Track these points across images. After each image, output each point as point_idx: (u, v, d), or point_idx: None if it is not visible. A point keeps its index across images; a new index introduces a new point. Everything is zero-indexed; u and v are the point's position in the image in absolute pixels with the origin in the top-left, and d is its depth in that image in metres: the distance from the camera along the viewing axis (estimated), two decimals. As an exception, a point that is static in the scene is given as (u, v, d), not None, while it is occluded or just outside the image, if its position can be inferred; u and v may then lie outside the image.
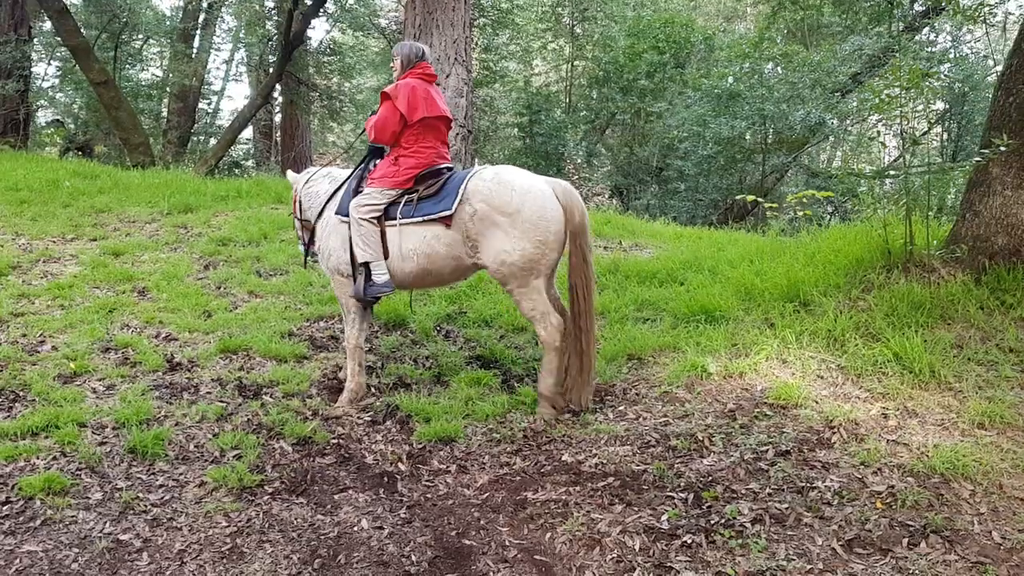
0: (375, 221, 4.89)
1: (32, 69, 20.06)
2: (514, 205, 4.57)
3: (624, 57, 17.69)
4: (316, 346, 5.85)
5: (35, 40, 18.61)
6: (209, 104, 24.69)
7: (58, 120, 22.80)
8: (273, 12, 20.42)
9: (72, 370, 5.20)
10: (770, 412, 4.43)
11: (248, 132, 26.49)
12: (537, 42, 23.04)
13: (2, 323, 5.99)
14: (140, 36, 20.04)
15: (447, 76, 11.78)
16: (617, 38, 18.88)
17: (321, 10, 18.52)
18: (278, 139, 23.66)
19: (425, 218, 4.78)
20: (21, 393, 4.88)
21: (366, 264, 4.91)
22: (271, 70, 19.11)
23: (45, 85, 22.20)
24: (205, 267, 7.57)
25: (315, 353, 5.73)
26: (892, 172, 19.28)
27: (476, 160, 13.92)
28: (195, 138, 21.92)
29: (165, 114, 21.87)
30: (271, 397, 4.97)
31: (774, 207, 9.77)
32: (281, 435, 4.47)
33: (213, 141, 22.46)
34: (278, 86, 19.66)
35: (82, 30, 17.52)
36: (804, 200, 9.46)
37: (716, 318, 5.68)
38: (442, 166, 4.99)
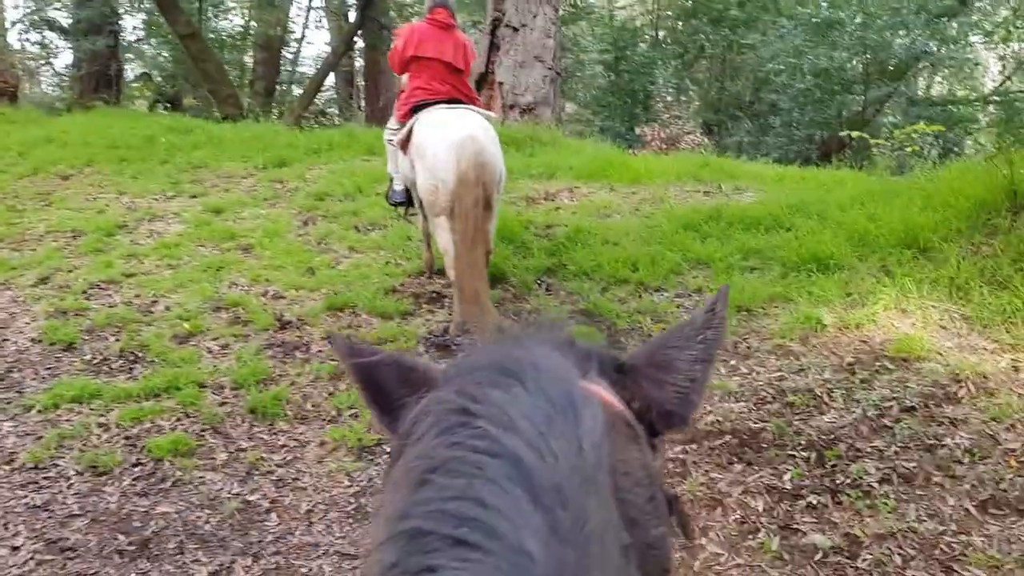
0: (393, 143, 5.93)
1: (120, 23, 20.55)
2: (423, 148, 5.24)
3: (713, -13, 17.07)
4: (420, 302, 5.86)
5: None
6: (291, 52, 24.87)
7: (147, 74, 23.28)
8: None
9: (187, 330, 5.34)
10: (891, 366, 4.26)
11: (330, 79, 26.68)
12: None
13: (115, 284, 6.17)
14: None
15: (534, 16, 11.53)
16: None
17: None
18: (360, 85, 23.71)
19: (393, 143, 5.85)
20: (140, 354, 5.04)
21: (390, 175, 6.20)
22: (352, 15, 19.09)
23: (132, 39, 22.73)
24: (304, 223, 7.65)
25: (419, 309, 5.74)
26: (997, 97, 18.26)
27: (564, 103, 13.68)
28: (280, 87, 22.14)
29: (250, 64, 22.15)
30: (380, 355, 5.00)
31: (880, 143, 9.31)
32: (394, 395, 4.51)
33: (297, 90, 22.69)
34: (359, 31, 19.65)
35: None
36: (913, 135, 9.03)
37: (828, 266, 5.46)
38: (430, 100, 5.55)
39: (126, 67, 22.54)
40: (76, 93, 18.41)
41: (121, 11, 19.77)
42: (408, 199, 6.14)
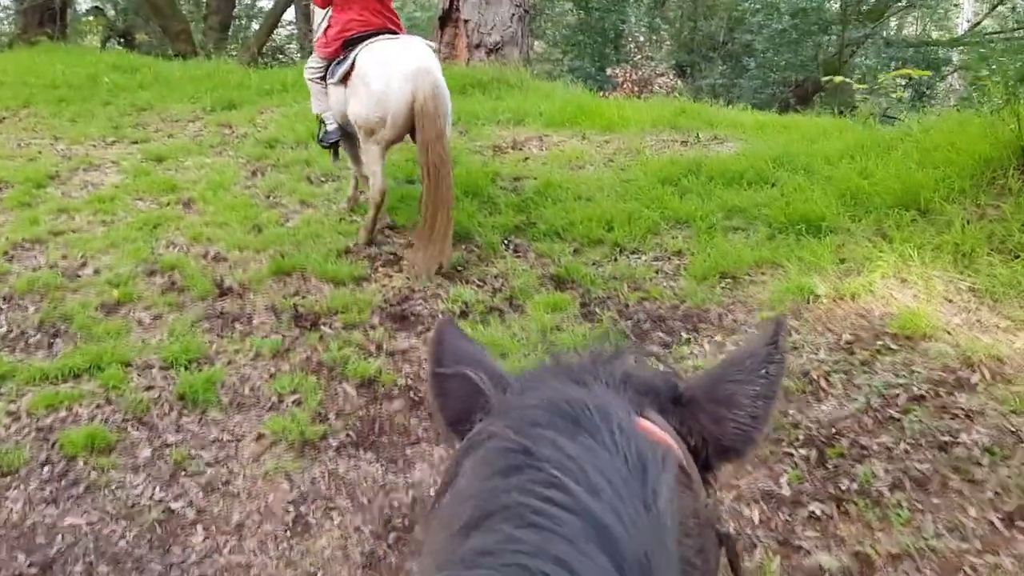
0: (319, 80, 5.74)
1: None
2: (369, 76, 5.10)
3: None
4: (376, 265, 5.37)
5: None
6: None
7: (97, 7, 22.11)
8: None
9: (116, 298, 4.82)
10: (894, 345, 3.87)
11: (290, 14, 25.52)
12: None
13: (41, 243, 5.61)
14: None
15: (500, -51, 10.82)
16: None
17: None
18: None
19: (334, 80, 5.50)
20: (62, 327, 4.52)
21: (319, 116, 5.92)
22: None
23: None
24: (252, 173, 7.08)
25: (375, 273, 5.25)
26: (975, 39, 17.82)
27: (533, 42, 13.01)
28: (236, 22, 21.09)
29: (204, -2, 21.04)
30: (330, 328, 4.53)
31: (862, 87, 8.85)
32: (344, 376, 4.05)
33: (255, 25, 21.65)
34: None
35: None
36: (899, 80, 8.58)
37: (819, 228, 5.03)
38: (366, 32, 5.39)
39: (78, 1, 21.39)
40: (19, 28, 17.36)
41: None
42: (340, 140, 5.96)
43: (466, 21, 10.90)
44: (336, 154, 6.20)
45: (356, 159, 5.98)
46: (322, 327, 4.54)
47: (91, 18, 22.71)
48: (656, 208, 5.70)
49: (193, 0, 20.78)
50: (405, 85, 4.93)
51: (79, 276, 5.14)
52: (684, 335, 4.30)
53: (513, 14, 10.93)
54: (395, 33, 5.54)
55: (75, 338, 4.39)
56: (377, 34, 5.38)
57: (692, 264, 4.96)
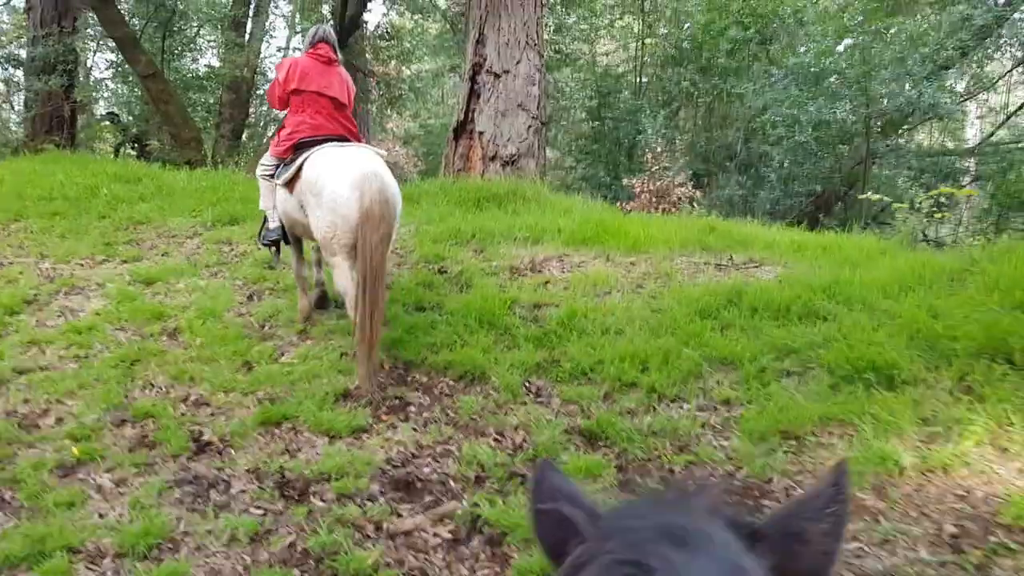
0: (268, 178, 5.76)
1: (83, 62, 19.38)
2: (318, 186, 5.02)
3: (702, 34, 16.21)
4: (379, 413, 4.69)
5: (89, 30, 17.83)
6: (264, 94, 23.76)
7: (112, 113, 22.12)
8: (327, -5, 19.39)
9: (75, 457, 4.14)
10: (1012, 542, 3.13)
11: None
12: (604, 19, 21.60)
13: (3, 384, 4.97)
14: (193, 24, 19.16)
15: (517, 63, 10.53)
16: (693, 13, 17.39)
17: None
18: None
19: (280, 182, 5.50)
20: (7, 495, 3.83)
21: (264, 214, 5.96)
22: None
23: (100, 77, 21.60)
24: (248, 297, 6.50)
25: (377, 423, 4.57)
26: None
27: (546, 151, 12.65)
28: (250, 130, 21.02)
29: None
30: (322, 500, 3.82)
31: (903, 206, 8.32)
32: (333, 570, 3.32)
33: (271, 131, 21.60)
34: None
35: (130, 19, 16.74)
36: (942, 199, 8.06)
37: (891, 378, 4.34)
38: (318, 136, 5.39)
39: (96, 106, 21.38)
40: (27, 135, 17.23)
41: (81, 49, 18.70)
42: (282, 238, 5.93)
43: (481, 133, 10.54)
44: (278, 252, 6.16)
45: (299, 260, 5.98)
46: (312, 498, 3.82)
47: (106, 123, 22.75)
48: (695, 346, 5.04)
49: (206, 106, 20.73)
50: (352, 192, 4.87)
51: (38, 427, 4.48)
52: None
53: (529, 126, 10.57)
54: (345, 140, 5.52)
55: (19, 511, 3.70)
56: (327, 140, 5.37)
57: (746, 419, 4.26)
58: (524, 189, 9.67)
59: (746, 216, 14.83)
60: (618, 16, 21.63)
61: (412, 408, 4.71)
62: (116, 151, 20.87)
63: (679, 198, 13.17)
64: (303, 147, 5.34)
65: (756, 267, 6.65)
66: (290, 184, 5.36)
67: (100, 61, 21.98)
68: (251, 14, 19.85)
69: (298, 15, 21.02)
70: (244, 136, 19.65)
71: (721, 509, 0.92)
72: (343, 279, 5.09)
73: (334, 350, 5.50)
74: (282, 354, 5.49)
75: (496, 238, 7.75)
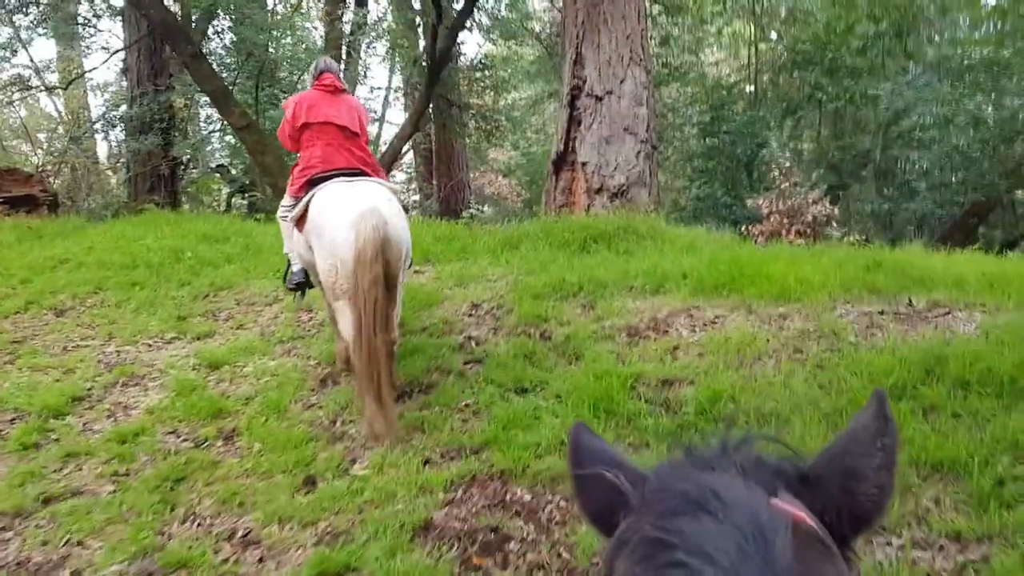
0: (286, 220, 5.47)
1: (191, 117, 19.29)
2: (319, 227, 4.79)
3: (826, 32, 14.63)
4: (468, 551, 3.57)
5: (184, 86, 17.70)
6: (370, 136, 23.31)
7: (222, 165, 22.11)
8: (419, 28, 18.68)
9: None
10: None
11: (410, 157, 25.10)
12: (712, 26, 20.19)
13: (23, 518, 4.11)
14: (283, 73, 18.83)
15: (621, 82, 9.36)
16: (813, 10, 15.82)
17: (469, 21, 16.55)
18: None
19: (290, 221, 5.30)
20: None
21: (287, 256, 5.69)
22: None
23: (207, 131, 21.60)
24: (321, 382, 5.53)
25: (465, 571, 3.45)
26: None
27: (657, 177, 11.36)
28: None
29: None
30: None
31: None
32: None
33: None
34: (430, 110, 17.94)
35: (221, 71, 16.45)
36: None
37: None
38: (329, 172, 5.09)
39: (210, 159, 21.34)
40: (130, 196, 17.15)
41: (186, 104, 18.64)
42: (307, 281, 5.57)
43: (584, 163, 9.42)
44: (303, 295, 5.89)
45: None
46: None
47: (216, 176, 22.76)
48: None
49: (306, 154, 20.35)
50: (350, 230, 4.58)
51: (46, 586, 3.57)
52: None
53: (639, 151, 9.37)
54: (358, 173, 5.20)
55: None
56: (339, 175, 5.08)
57: (999, 573, 2.92)
58: (637, 224, 8.46)
59: (887, 232, 13.18)
60: (726, 22, 20.19)
61: (512, 545, 3.57)
62: (228, 202, 20.80)
63: (815, 218, 11.67)
64: (315, 183, 5.07)
65: (945, 315, 5.22)
66: (299, 223, 5.11)
67: (206, 115, 22.09)
68: (343, 58, 19.42)
69: (393, 52, 20.50)
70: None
71: (765, 460, 0.90)
72: (344, 325, 4.80)
73: (415, 453, 4.42)
74: (353, 461, 4.46)
75: (608, 289, 6.57)
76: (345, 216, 4.65)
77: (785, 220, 11.81)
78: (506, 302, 6.62)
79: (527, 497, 3.94)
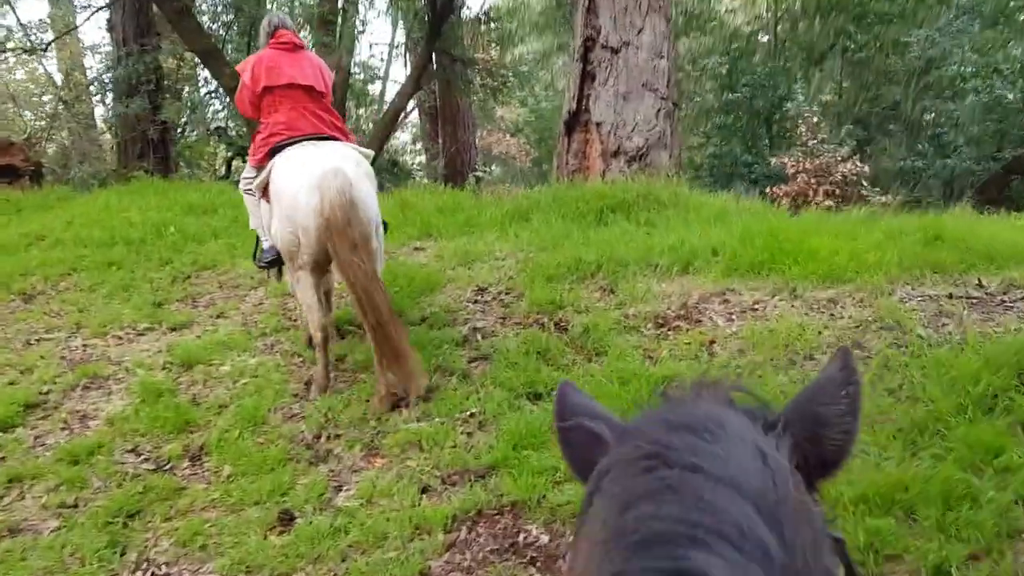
0: (250, 193, 5.08)
1: (178, 79, 18.43)
2: (278, 191, 4.49)
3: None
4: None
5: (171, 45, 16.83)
6: (370, 95, 22.34)
7: (220, 127, 21.31)
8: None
9: None
10: None
11: (415, 116, 24.18)
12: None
13: (-54, 566, 3.47)
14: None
15: (639, 32, 8.52)
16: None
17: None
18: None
19: (255, 192, 4.92)
20: None
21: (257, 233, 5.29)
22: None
23: (204, 94, 20.73)
24: (306, 385, 4.84)
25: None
26: None
27: (679, 137, 10.53)
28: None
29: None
30: None
31: None
32: None
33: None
34: (431, 67, 17.03)
35: (211, 28, 15.61)
36: None
37: None
38: (292, 139, 4.69)
39: (210, 124, 20.49)
40: (119, 163, 16.39)
41: (171, 65, 17.82)
42: (279, 259, 4.99)
43: (599, 123, 8.62)
44: (279, 274, 5.43)
45: (313, 295, 4.84)
46: None
47: (214, 139, 21.95)
48: (995, 474, 3.02)
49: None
50: (312, 194, 4.24)
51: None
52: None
53: (659, 109, 8.57)
54: (325, 137, 4.79)
55: None
56: (303, 140, 4.68)
57: None
58: (658, 191, 7.70)
59: (914, 190, 12.39)
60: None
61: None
62: (227, 166, 20.06)
63: (845, 177, 10.88)
64: (279, 151, 4.66)
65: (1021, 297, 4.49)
66: (265, 195, 4.75)
67: (204, 76, 21.20)
68: (340, 9, 18.45)
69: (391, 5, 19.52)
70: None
71: (737, 401, 0.93)
72: (307, 295, 4.57)
73: (411, 478, 3.75)
74: (339, 488, 3.79)
75: (630, 267, 5.86)
76: (305, 180, 4.29)
77: (813, 180, 11.02)
78: (516, 285, 5.92)
79: (544, 539, 3.27)
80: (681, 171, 8.84)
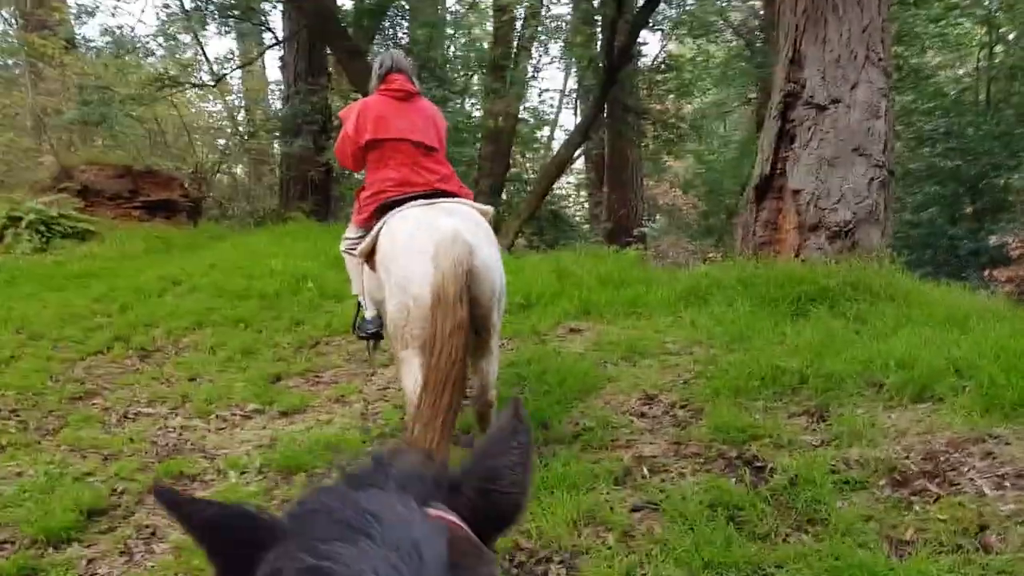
0: (353, 255, 4.61)
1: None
2: (388, 259, 3.99)
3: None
4: None
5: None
6: (539, 142, 21.61)
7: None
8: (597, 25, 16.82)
9: None
10: None
11: (580, 163, 23.33)
12: (933, 26, 17.23)
13: None
14: (454, 72, 17.46)
15: (852, 87, 7.12)
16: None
17: (654, 14, 14.44)
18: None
19: (358, 255, 4.41)
20: None
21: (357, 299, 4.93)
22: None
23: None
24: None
25: None
26: None
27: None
28: (512, 186, 18.84)
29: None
30: None
31: None
32: None
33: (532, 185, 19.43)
34: (602, 116, 16.05)
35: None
36: None
37: None
38: (401, 196, 4.17)
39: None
40: (280, 203, 16.28)
41: (340, 106, 17.61)
42: (382, 331, 4.65)
43: (796, 192, 7.27)
44: (376, 347, 5.09)
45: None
46: None
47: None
48: None
49: (468, 159, 18.82)
50: (427, 263, 3.69)
51: None
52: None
53: (871, 178, 7.13)
54: (440, 195, 4.23)
55: None
56: (415, 199, 4.15)
57: None
58: (869, 279, 6.28)
59: None
60: (955, 20, 17.17)
61: None
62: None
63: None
64: (387, 209, 4.17)
65: None
66: (369, 259, 4.28)
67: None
68: (512, 57, 17.82)
69: (568, 52, 18.72)
70: (504, 194, 17.46)
71: (418, 472, 0.90)
72: (410, 383, 3.92)
73: None
74: None
75: (846, 385, 4.51)
76: (421, 244, 3.81)
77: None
78: (693, 396, 4.69)
79: None
80: (895, 253, 7.32)
